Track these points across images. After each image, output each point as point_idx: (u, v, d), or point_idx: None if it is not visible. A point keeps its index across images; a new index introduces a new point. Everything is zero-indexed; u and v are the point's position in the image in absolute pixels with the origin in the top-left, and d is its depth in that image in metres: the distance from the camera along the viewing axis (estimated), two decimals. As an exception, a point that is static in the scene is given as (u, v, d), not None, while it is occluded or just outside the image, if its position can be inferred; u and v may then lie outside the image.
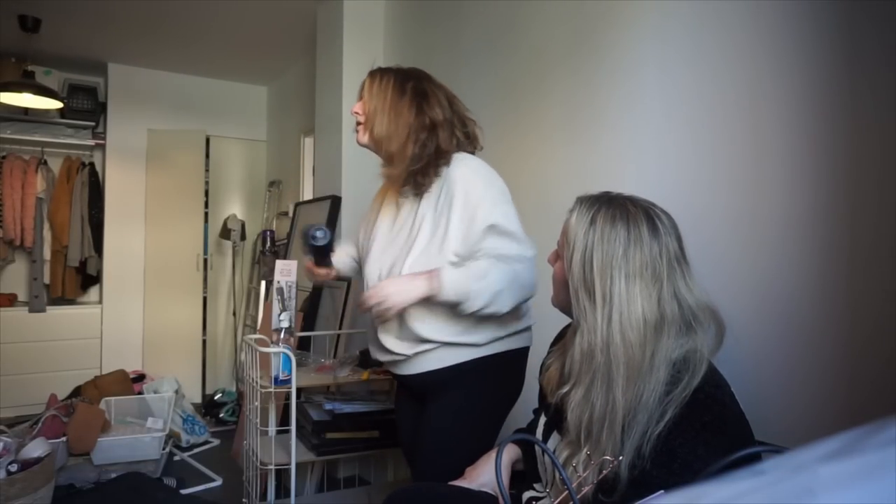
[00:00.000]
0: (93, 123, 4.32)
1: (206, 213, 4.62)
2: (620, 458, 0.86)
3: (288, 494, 1.86)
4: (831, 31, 1.19)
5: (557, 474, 0.98)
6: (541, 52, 2.00)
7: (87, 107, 4.26)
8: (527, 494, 1.12)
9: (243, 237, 4.57)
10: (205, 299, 4.55)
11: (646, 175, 1.59)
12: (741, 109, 1.36)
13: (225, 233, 4.51)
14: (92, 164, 4.33)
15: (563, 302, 1.02)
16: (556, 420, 1.05)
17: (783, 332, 1.26)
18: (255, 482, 2.00)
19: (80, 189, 4.18)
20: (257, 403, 1.92)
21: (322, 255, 1.56)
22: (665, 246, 0.92)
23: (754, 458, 0.63)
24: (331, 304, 2.93)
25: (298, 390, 2.01)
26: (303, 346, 2.68)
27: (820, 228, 1.20)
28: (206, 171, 4.59)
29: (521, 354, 1.46)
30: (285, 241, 3.72)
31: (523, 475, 1.19)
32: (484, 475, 1.18)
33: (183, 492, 2.72)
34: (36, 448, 2.29)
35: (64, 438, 2.64)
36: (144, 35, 3.75)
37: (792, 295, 1.24)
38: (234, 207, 4.77)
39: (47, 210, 4.12)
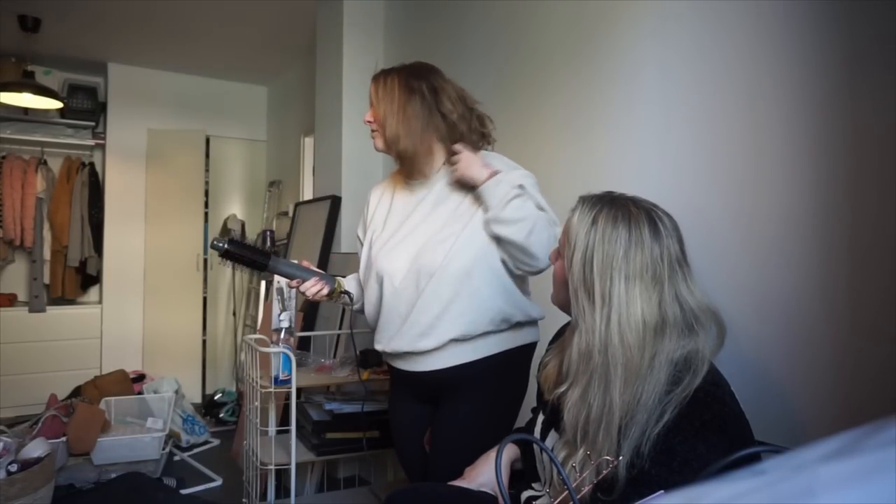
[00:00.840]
0: (93, 123, 4.32)
1: (206, 213, 4.62)
2: (620, 458, 0.86)
3: (288, 494, 1.86)
4: (831, 31, 1.19)
5: (556, 473, 0.98)
6: (541, 52, 2.00)
7: (87, 107, 4.26)
8: (525, 494, 1.12)
9: (243, 237, 4.57)
10: (205, 299, 4.55)
11: (646, 175, 1.59)
12: (741, 109, 1.36)
13: (225, 233, 4.51)
14: (92, 164, 4.34)
15: (563, 300, 1.02)
16: (554, 419, 1.05)
17: (783, 332, 1.26)
18: (255, 482, 2.00)
19: (80, 189, 4.18)
20: (257, 403, 1.92)
21: (241, 261, 1.43)
22: (666, 248, 0.91)
23: (754, 458, 0.63)
24: (331, 304, 2.93)
25: (298, 390, 2.01)
26: (303, 346, 2.68)
27: (819, 228, 1.20)
28: (206, 171, 4.59)
29: (531, 350, 1.46)
30: (285, 241, 3.72)
31: (522, 474, 1.19)
32: (483, 475, 1.17)
33: (183, 492, 2.72)
34: (36, 448, 2.29)
35: (64, 438, 2.64)
36: (144, 35, 3.75)
37: (791, 294, 1.24)
38: (234, 207, 4.77)
39: (47, 210, 4.12)
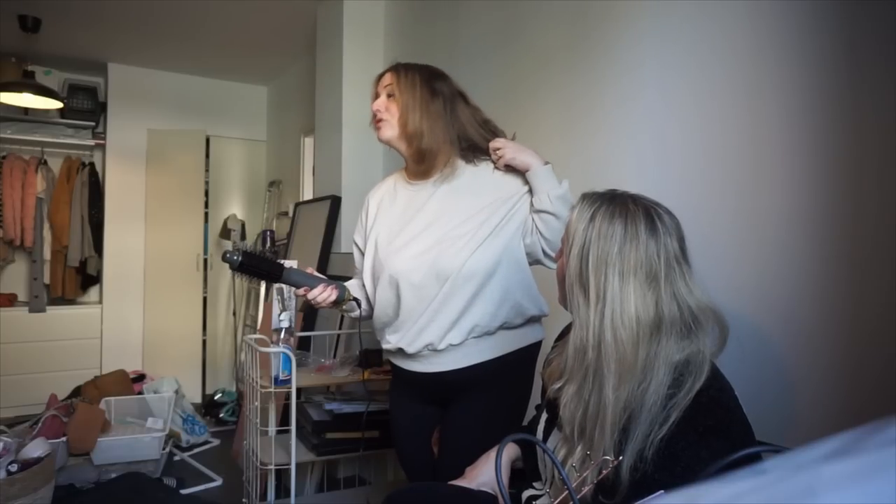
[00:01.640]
0: (93, 123, 4.32)
1: (206, 213, 4.62)
2: (620, 458, 0.86)
3: (288, 494, 1.86)
4: (831, 30, 1.19)
5: (557, 473, 0.98)
6: (540, 50, 2.00)
7: (87, 107, 4.26)
8: (526, 493, 1.12)
9: (243, 237, 4.57)
10: (205, 299, 4.55)
11: (645, 174, 1.59)
12: (740, 107, 1.36)
13: (225, 233, 4.51)
14: (92, 164, 4.34)
15: (564, 298, 1.02)
16: (554, 416, 1.05)
17: (783, 332, 1.26)
18: (255, 482, 2.00)
19: (80, 189, 4.18)
20: (257, 403, 1.92)
21: (255, 273, 1.40)
22: (664, 245, 0.90)
23: (754, 459, 0.63)
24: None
25: (298, 390, 2.01)
26: (303, 346, 2.68)
27: (820, 227, 1.20)
28: (206, 171, 4.59)
29: (538, 348, 1.47)
30: (285, 241, 3.72)
31: (523, 473, 1.19)
32: (483, 475, 1.17)
33: (183, 492, 2.73)
34: (36, 448, 2.29)
35: (64, 438, 2.64)
36: (144, 35, 3.75)
37: (792, 294, 1.24)
38: (234, 207, 4.77)
39: (47, 210, 4.12)
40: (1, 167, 4.01)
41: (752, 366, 1.28)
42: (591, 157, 1.79)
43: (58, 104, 3.65)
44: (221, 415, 3.86)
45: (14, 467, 2.14)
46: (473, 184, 1.40)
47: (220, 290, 4.66)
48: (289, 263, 1.45)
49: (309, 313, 2.93)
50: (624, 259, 0.89)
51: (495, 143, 1.40)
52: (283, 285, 1.89)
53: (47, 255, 4.14)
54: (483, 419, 1.39)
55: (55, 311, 4.11)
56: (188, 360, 4.38)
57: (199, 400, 4.27)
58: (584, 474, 0.88)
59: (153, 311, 4.37)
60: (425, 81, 1.41)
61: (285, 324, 1.91)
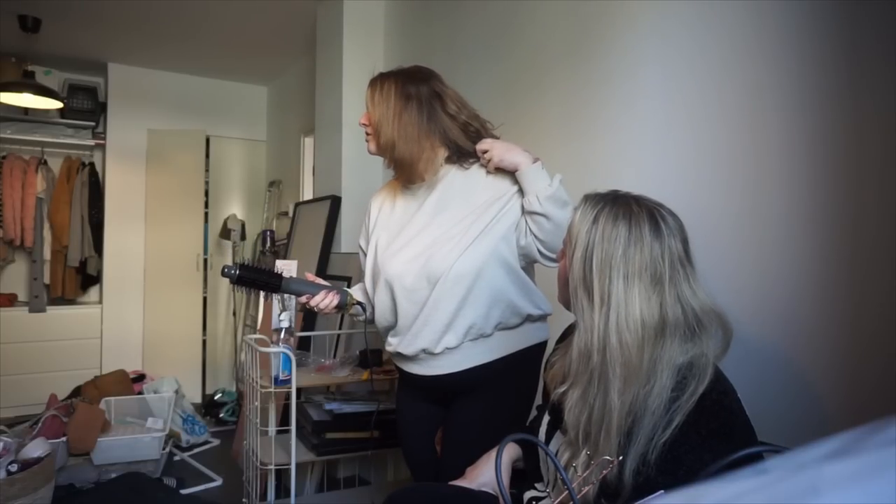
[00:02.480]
0: (93, 123, 4.32)
1: (206, 213, 4.62)
2: (620, 458, 0.86)
3: (288, 494, 1.86)
4: (832, 31, 1.19)
5: (559, 475, 0.98)
6: (540, 51, 2.00)
7: (87, 107, 4.26)
8: (528, 494, 1.12)
9: (243, 237, 4.57)
10: (205, 299, 4.55)
11: (646, 174, 1.59)
12: (742, 108, 1.36)
13: (225, 233, 4.51)
14: (92, 164, 4.34)
15: (566, 299, 1.01)
16: (558, 419, 1.05)
17: (784, 332, 1.26)
18: (255, 482, 2.00)
19: (80, 189, 4.18)
20: (257, 403, 1.92)
21: (254, 285, 1.41)
22: (668, 247, 0.90)
23: (755, 459, 0.63)
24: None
25: (298, 390, 2.01)
26: (303, 346, 2.68)
27: (821, 228, 1.20)
28: (206, 171, 4.59)
29: (542, 349, 1.47)
30: (285, 240, 3.72)
31: (524, 474, 1.19)
32: (484, 475, 1.17)
33: (183, 492, 2.73)
34: (36, 448, 2.29)
35: (64, 438, 2.64)
36: (144, 35, 3.75)
37: (793, 295, 1.24)
38: (234, 207, 4.77)
39: (47, 210, 4.12)
40: (1, 167, 4.01)
41: (753, 366, 1.28)
42: (591, 157, 1.79)
43: (58, 104, 3.65)
44: (221, 415, 3.86)
45: (14, 467, 2.14)
46: (465, 187, 1.40)
47: (220, 290, 4.66)
48: (287, 268, 1.46)
49: (309, 313, 2.93)
50: (628, 262, 0.89)
51: (482, 146, 1.38)
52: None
53: (47, 255, 4.13)
54: (485, 419, 1.39)
55: (55, 311, 4.11)
56: (188, 360, 4.38)
57: (199, 400, 4.27)
58: (585, 474, 0.88)
59: (153, 311, 4.37)
60: (400, 88, 1.39)
61: (285, 324, 1.91)
